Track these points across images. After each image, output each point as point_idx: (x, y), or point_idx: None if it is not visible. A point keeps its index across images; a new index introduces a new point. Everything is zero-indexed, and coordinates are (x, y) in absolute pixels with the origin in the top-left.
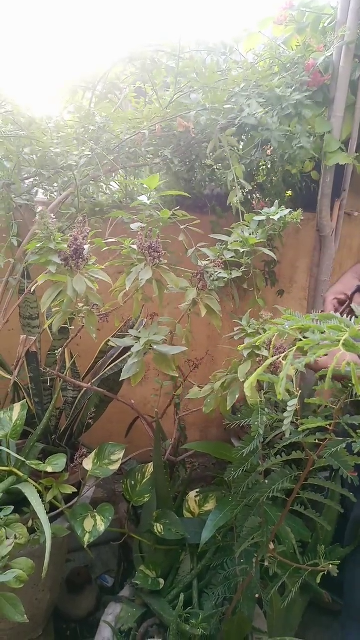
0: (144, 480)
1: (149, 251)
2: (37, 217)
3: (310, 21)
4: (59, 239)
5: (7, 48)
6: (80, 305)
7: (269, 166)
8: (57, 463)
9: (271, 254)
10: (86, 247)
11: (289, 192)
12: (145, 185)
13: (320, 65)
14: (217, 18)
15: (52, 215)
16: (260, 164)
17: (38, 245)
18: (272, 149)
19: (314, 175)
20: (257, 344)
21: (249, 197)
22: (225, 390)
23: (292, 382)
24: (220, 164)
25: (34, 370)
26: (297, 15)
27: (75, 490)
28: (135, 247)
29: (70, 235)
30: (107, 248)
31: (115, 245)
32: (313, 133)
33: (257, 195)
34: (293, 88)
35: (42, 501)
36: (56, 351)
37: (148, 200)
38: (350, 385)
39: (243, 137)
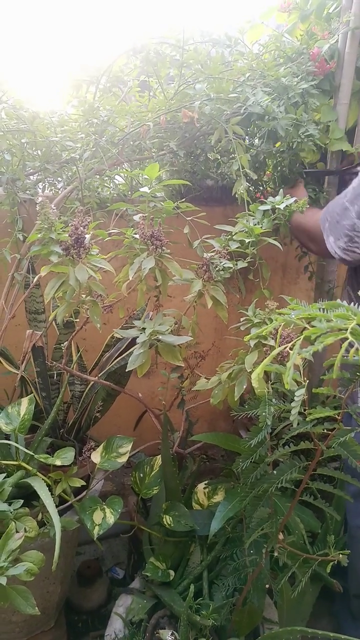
0: (153, 473)
1: (151, 240)
2: (38, 208)
3: (314, 8)
4: (60, 229)
5: (11, 41)
6: (84, 296)
7: (274, 162)
8: (65, 456)
9: (277, 243)
10: (87, 236)
11: None
12: (146, 177)
13: (325, 53)
14: (220, 9)
15: (57, 209)
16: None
17: (39, 236)
18: (279, 142)
19: (320, 166)
20: (263, 334)
21: (255, 190)
22: (233, 380)
23: (300, 372)
24: (226, 157)
25: (40, 365)
26: (300, 2)
27: (84, 483)
28: (137, 236)
29: (71, 225)
30: (110, 238)
31: (117, 236)
32: (318, 122)
33: (263, 187)
34: (299, 77)
35: (51, 494)
36: (62, 345)
37: (149, 190)
38: (358, 374)
39: (250, 130)
